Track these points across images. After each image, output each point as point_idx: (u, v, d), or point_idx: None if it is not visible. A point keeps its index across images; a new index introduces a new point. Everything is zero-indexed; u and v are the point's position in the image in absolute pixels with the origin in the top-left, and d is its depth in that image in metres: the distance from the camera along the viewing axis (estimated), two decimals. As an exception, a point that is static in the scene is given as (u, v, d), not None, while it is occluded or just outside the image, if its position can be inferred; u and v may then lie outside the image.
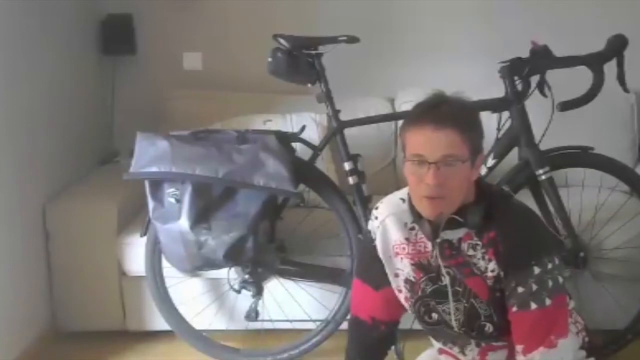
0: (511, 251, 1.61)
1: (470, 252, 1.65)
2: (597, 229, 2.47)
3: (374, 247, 1.78)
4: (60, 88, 2.86)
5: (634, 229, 2.49)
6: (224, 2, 3.26)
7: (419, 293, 1.74)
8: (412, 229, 1.72)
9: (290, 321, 2.60)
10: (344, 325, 2.50)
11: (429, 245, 1.69)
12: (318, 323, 2.54)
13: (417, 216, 1.67)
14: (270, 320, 2.59)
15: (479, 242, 1.64)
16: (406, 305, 1.80)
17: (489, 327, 1.69)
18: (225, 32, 3.29)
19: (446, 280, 1.68)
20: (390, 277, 1.78)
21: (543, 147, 2.36)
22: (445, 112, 1.57)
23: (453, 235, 1.65)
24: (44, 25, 2.73)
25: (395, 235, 1.74)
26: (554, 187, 2.35)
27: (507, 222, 1.63)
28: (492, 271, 1.63)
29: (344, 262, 2.50)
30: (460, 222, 1.62)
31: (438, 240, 1.66)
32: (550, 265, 1.61)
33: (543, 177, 2.33)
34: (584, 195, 2.46)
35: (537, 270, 1.60)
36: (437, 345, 1.87)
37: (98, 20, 3.21)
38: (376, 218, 1.78)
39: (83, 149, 3.07)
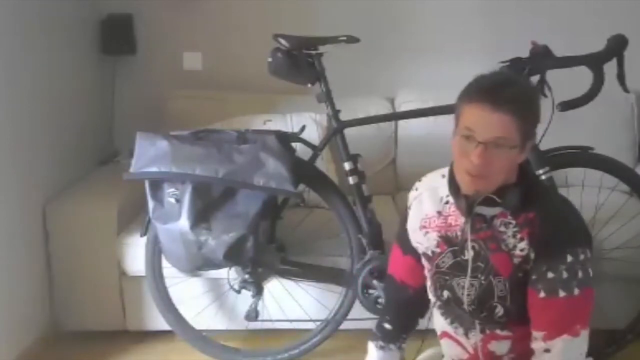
0: (548, 235, 1.61)
1: (502, 229, 1.65)
2: (597, 229, 2.47)
3: (407, 214, 1.82)
4: (60, 88, 2.86)
5: (634, 229, 2.49)
6: (224, 2, 3.26)
7: (434, 269, 1.75)
8: (447, 202, 1.73)
9: (290, 321, 2.60)
10: (344, 325, 2.51)
11: (460, 218, 1.69)
12: (318, 323, 2.54)
13: (455, 190, 1.68)
14: (270, 320, 2.59)
15: (512, 221, 1.64)
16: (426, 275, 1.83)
17: (499, 310, 1.68)
18: (225, 32, 3.29)
19: (469, 254, 1.68)
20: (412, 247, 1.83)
21: (543, 147, 2.36)
22: (507, 95, 1.54)
23: (488, 211, 1.65)
24: (44, 25, 2.73)
25: (429, 209, 1.76)
26: (554, 187, 2.34)
27: (549, 206, 1.64)
28: (522, 250, 1.63)
29: (344, 262, 2.50)
30: (497, 202, 1.62)
31: (472, 214, 1.66)
32: (582, 257, 1.61)
33: (543, 177, 2.33)
34: (584, 195, 2.45)
35: (570, 258, 1.60)
36: (442, 327, 1.85)
37: (98, 20, 3.21)
38: (416, 189, 1.82)
39: (83, 149, 3.07)
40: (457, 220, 1.71)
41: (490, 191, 1.61)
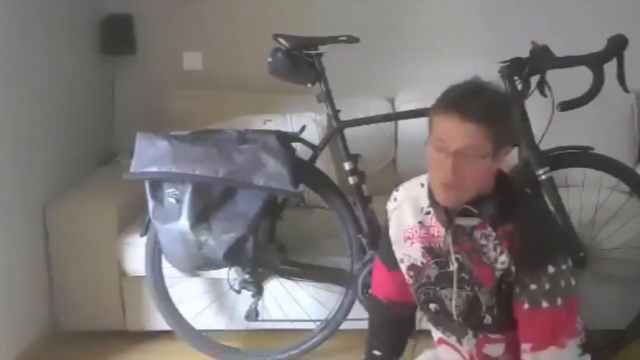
0: (528, 247, 1.60)
1: (482, 242, 1.65)
2: (597, 229, 2.47)
3: (388, 227, 1.80)
4: (60, 88, 2.86)
5: (634, 229, 2.48)
6: (224, 2, 3.26)
7: (423, 280, 1.74)
8: (428, 213, 1.72)
9: (290, 321, 2.60)
10: (344, 325, 2.51)
11: (442, 230, 1.69)
12: (318, 323, 2.54)
13: (434, 201, 1.67)
14: (270, 320, 2.59)
15: (492, 233, 1.63)
16: (411, 290, 1.80)
17: (488, 319, 1.69)
18: (225, 32, 3.28)
19: (454, 266, 1.68)
20: (397, 262, 1.80)
21: (543, 147, 2.36)
22: (476, 104, 1.55)
23: (467, 222, 1.65)
24: (44, 25, 2.73)
25: (410, 220, 1.75)
26: (554, 187, 2.35)
27: (527, 218, 1.63)
28: (502, 263, 1.63)
29: (344, 262, 2.50)
30: (474, 212, 1.62)
31: (452, 225, 1.66)
32: (564, 266, 1.61)
33: (543, 177, 2.33)
34: (584, 195, 2.46)
35: (551, 269, 1.59)
36: (436, 334, 1.87)
37: (98, 20, 3.22)
38: (395, 200, 1.80)
39: (83, 149, 3.07)
40: (440, 231, 1.70)
41: (465, 201, 1.61)
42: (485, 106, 1.56)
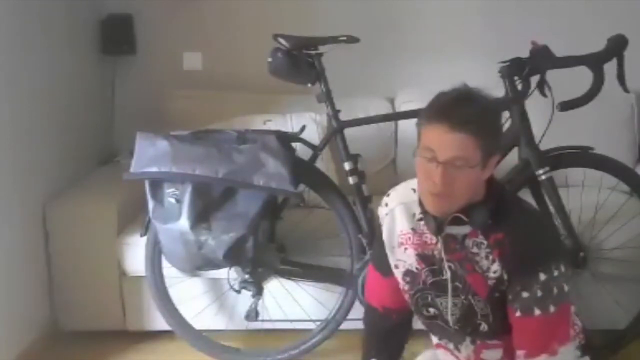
0: (518, 255, 1.59)
1: (474, 250, 1.64)
2: (597, 229, 2.47)
3: (381, 232, 1.79)
4: (60, 88, 2.86)
5: (634, 229, 2.48)
6: (224, 2, 3.26)
7: (420, 284, 1.73)
8: (420, 219, 1.70)
9: (290, 321, 2.60)
10: (344, 325, 2.51)
11: (434, 237, 1.68)
12: (318, 323, 2.54)
13: (424, 209, 1.66)
14: (270, 320, 2.60)
15: (484, 242, 1.63)
16: (406, 297, 1.80)
17: (484, 327, 1.69)
18: (225, 32, 3.29)
19: (447, 274, 1.68)
20: (392, 268, 1.79)
21: (543, 147, 2.36)
22: (463, 113, 1.53)
23: (458, 230, 1.64)
24: (44, 25, 2.73)
25: (402, 225, 1.74)
26: (554, 187, 2.34)
27: (517, 226, 1.61)
28: (495, 272, 1.62)
29: (344, 262, 2.50)
30: (465, 220, 1.61)
31: (442, 234, 1.65)
32: (556, 273, 1.59)
33: (543, 177, 2.33)
34: (584, 195, 2.46)
35: (543, 276, 1.58)
36: (434, 340, 1.87)
37: (98, 20, 3.22)
38: (386, 205, 1.78)
39: (83, 149, 3.07)
40: (433, 239, 1.69)
41: (455, 210, 1.59)
42: (474, 115, 1.54)
